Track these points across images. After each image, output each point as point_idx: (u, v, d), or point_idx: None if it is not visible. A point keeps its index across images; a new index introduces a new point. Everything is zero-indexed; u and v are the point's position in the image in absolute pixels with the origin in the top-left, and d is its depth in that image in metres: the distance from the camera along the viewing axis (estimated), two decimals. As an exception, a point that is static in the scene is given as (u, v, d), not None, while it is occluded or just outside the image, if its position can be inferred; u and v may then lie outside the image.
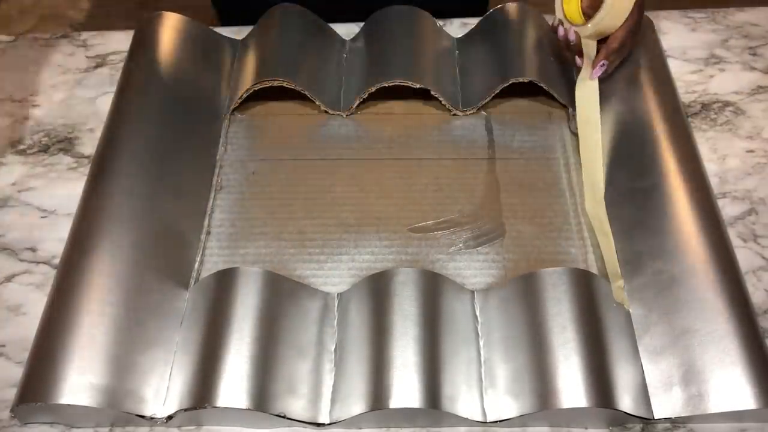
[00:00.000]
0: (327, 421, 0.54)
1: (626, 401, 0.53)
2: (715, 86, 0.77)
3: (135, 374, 0.55)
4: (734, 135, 0.73)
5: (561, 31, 0.70)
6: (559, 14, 0.70)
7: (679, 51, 0.81)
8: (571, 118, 0.73)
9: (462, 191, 0.68)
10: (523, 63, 0.72)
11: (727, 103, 0.76)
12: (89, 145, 0.73)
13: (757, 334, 0.55)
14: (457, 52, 0.80)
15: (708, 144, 0.72)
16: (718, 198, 0.67)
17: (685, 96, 0.76)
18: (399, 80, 0.71)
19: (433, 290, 0.58)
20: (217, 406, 0.51)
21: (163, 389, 0.55)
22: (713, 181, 0.68)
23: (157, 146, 0.68)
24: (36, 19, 1.92)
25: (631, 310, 0.59)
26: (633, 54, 0.76)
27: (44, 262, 0.64)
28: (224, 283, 0.58)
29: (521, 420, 0.53)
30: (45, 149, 0.73)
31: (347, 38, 0.81)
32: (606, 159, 0.69)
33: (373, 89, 0.72)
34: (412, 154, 0.71)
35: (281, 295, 0.58)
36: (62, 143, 0.74)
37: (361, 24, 0.81)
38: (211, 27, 0.81)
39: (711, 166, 0.70)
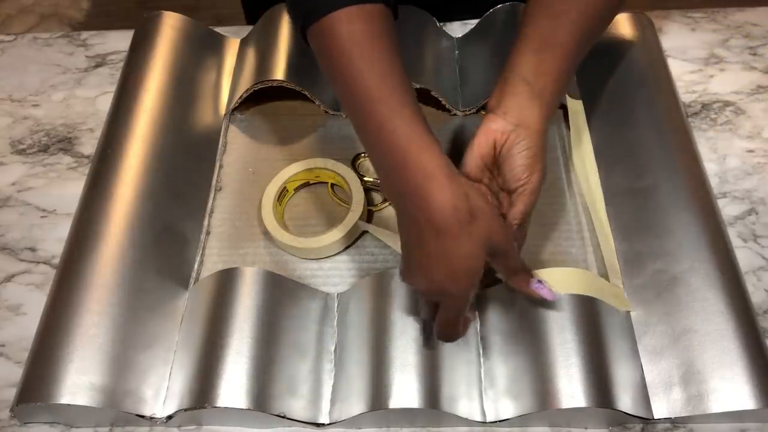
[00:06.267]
0: (327, 422, 0.54)
1: (626, 401, 0.53)
2: (715, 86, 0.77)
3: (135, 374, 0.55)
4: (734, 135, 0.73)
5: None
6: None
7: (679, 51, 0.81)
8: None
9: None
10: (523, 63, 0.72)
11: (727, 103, 0.76)
12: (89, 145, 0.73)
13: (757, 334, 0.55)
14: (457, 52, 0.80)
15: (708, 144, 0.72)
16: (718, 198, 0.67)
17: (685, 96, 0.76)
18: (399, 80, 0.71)
19: (433, 290, 0.58)
20: (217, 406, 0.51)
21: (163, 389, 0.55)
22: (713, 181, 0.68)
23: (157, 146, 0.67)
24: (36, 19, 1.92)
25: (630, 310, 0.59)
26: (633, 54, 0.76)
27: (44, 262, 0.64)
28: (224, 283, 0.58)
29: (521, 420, 0.53)
30: (45, 149, 0.73)
31: (347, 38, 0.81)
32: (606, 160, 0.69)
33: (373, 89, 0.72)
34: (412, 154, 0.71)
35: (281, 295, 0.58)
36: (62, 143, 0.74)
37: (361, 24, 0.81)
38: (210, 27, 0.81)
39: (711, 166, 0.70)
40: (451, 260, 0.48)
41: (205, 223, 0.66)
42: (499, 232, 0.49)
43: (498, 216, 0.50)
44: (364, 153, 0.70)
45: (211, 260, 0.64)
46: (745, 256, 0.63)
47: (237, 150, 0.72)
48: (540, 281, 0.53)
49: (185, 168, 0.68)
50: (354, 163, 0.70)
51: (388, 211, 0.67)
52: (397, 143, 0.48)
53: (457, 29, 0.83)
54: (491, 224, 0.48)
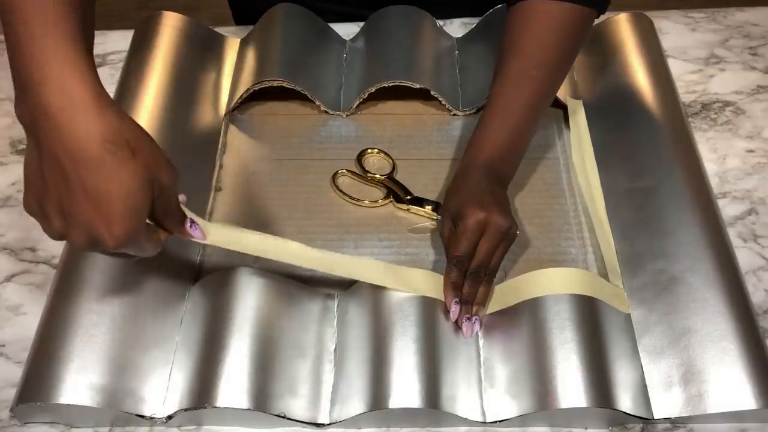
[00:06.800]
0: (327, 422, 0.54)
1: (626, 401, 0.53)
2: (715, 86, 0.77)
3: (135, 374, 0.54)
4: (734, 135, 0.73)
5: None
6: None
7: (679, 51, 0.81)
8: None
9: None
10: (523, 63, 0.72)
11: (727, 103, 0.76)
12: (89, 145, 0.73)
13: (757, 334, 0.55)
14: (457, 52, 0.80)
15: (708, 144, 0.72)
16: (718, 198, 0.67)
17: (685, 96, 0.76)
18: (399, 80, 0.71)
19: (433, 290, 0.58)
20: (217, 406, 0.51)
21: (163, 389, 0.55)
22: (713, 181, 0.68)
23: (157, 146, 0.67)
24: (36, 18, 1.92)
25: (630, 310, 0.59)
26: (633, 54, 0.76)
27: (44, 262, 0.64)
28: (224, 283, 0.58)
29: (521, 420, 0.53)
30: (45, 149, 0.73)
31: (347, 38, 0.81)
32: (606, 160, 0.69)
33: (373, 89, 0.72)
34: (412, 154, 0.71)
35: (281, 296, 0.58)
36: (62, 143, 0.74)
37: (361, 24, 0.81)
38: (210, 27, 0.81)
39: (711, 166, 0.70)
40: (103, 199, 0.42)
41: (205, 223, 0.66)
42: (167, 170, 0.45)
43: (163, 154, 0.46)
44: (370, 149, 0.71)
45: (211, 260, 0.64)
46: (745, 256, 0.63)
47: (237, 150, 0.72)
48: (193, 221, 0.50)
49: (185, 168, 0.68)
50: (359, 159, 0.70)
51: (387, 209, 0.67)
52: (39, 55, 0.41)
53: (457, 29, 0.83)
54: (157, 161, 0.44)
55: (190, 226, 0.50)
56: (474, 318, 0.57)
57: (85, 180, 0.42)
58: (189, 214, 0.50)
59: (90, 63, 0.44)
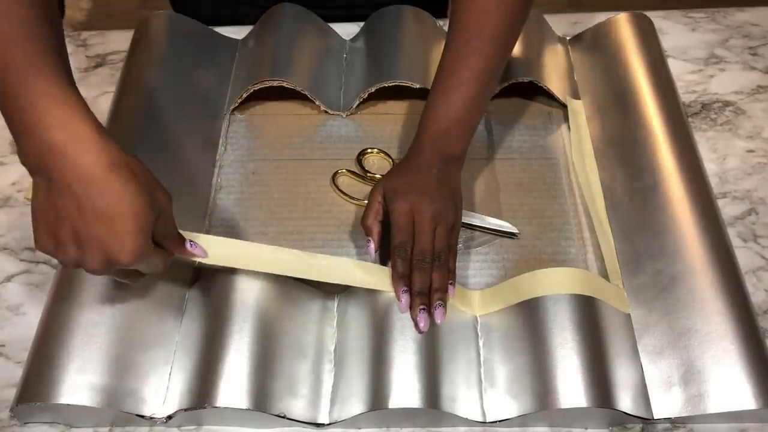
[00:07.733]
0: (327, 422, 0.54)
1: (626, 401, 0.53)
2: (715, 86, 0.77)
3: (135, 374, 0.55)
4: (734, 135, 0.73)
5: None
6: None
7: (679, 51, 0.81)
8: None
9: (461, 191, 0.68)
10: (523, 63, 0.72)
11: (727, 103, 0.76)
12: (89, 145, 0.73)
13: (756, 334, 0.55)
14: (457, 52, 0.80)
15: (708, 144, 0.72)
16: (718, 198, 0.67)
17: (685, 96, 0.76)
18: (399, 80, 0.71)
19: (433, 290, 0.58)
20: (217, 406, 0.51)
21: (163, 389, 0.55)
22: (713, 181, 0.68)
23: (157, 146, 0.67)
24: (36, 18, 1.92)
25: (630, 310, 0.59)
26: (633, 54, 0.76)
27: (44, 262, 0.64)
28: (224, 283, 0.58)
29: (521, 420, 0.53)
30: (45, 149, 0.73)
31: (347, 38, 0.81)
32: (606, 160, 0.69)
33: (373, 89, 0.72)
34: (412, 154, 0.71)
35: (281, 295, 0.58)
36: (62, 143, 0.74)
37: (361, 24, 0.81)
38: (211, 27, 0.81)
39: (711, 166, 0.70)
40: (114, 218, 0.45)
41: (205, 223, 0.66)
42: (163, 193, 0.49)
43: (157, 179, 0.49)
44: (370, 148, 0.71)
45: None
46: (745, 256, 0.63)
47: (237, 150, 0.72)
48: (192, 242, 0.53)
49: (185, 168, 0.68)
50: (359, 159, 0.70)
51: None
52: (35, 103, 0.44)
53: (457, 29, 0.83)
54: (153, 183, 0.48)
55: (191, 246, 0.53)
56: (436, 303, 0.56)
57: (95, 202, 0.45)
58: (185, 234, 0.53)
59: (79, 97, 0.47)
